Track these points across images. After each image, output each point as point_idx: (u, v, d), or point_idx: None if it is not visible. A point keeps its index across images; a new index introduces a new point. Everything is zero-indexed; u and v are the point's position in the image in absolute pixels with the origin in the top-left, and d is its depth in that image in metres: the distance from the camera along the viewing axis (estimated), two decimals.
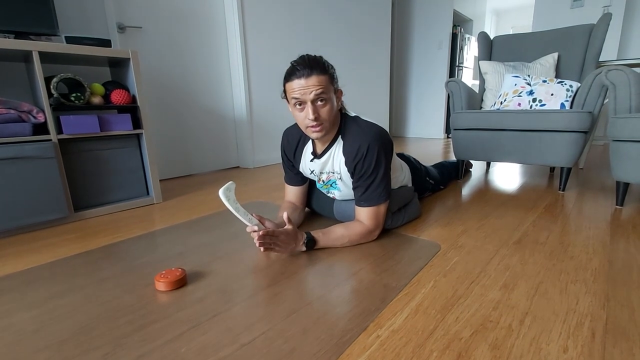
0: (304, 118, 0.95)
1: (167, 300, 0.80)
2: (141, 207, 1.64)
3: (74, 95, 1.36)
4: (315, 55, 0.96)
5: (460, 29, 4.68)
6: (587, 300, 0.75)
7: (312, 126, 0.96)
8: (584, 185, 1.84)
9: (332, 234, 1.04)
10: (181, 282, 0.86)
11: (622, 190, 1.41)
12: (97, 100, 1.47)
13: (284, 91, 0.98)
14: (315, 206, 1.36)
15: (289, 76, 0.94)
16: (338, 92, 1.01)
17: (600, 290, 0.79)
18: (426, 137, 4.90)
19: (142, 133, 1.63)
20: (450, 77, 4.66)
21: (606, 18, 1.92)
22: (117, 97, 1.53)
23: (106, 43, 1.48)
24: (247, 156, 2.72)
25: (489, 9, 6.14)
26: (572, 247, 1.03)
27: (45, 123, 1.35)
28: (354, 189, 1.06)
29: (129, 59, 1.54)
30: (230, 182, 0.99)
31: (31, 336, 0.69)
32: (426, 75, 4.71)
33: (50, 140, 1.34)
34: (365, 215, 1.06)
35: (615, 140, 1.36)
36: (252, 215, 1.01)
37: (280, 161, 2.95)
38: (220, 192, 0.95)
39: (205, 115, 2.50)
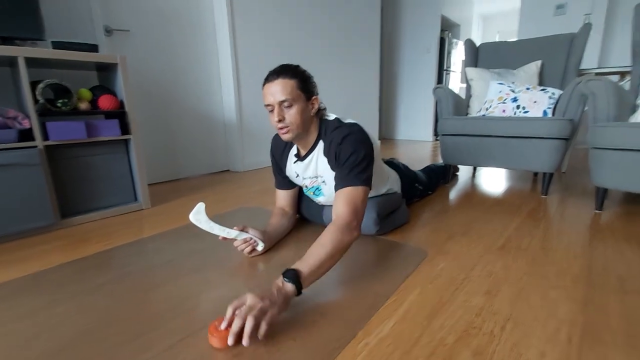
0: (273, 120, 0.98)
1: (158, 309, 0.80)
2: (129, 213, 1.63)
3: (60, 101, 1.34)
4: (289, 64, 1.00)
5: (448, 34, 4.76)
6: (566, 306, 0.78)
7: (280, 128, 0.99)
8: (565, 189, 1.90)
9: (315, 254, 0.81)
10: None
11: (601, 195, 1.46)
12: (84, 105, 1.45)
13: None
14: (305, 212, 1.38)
15: (263, 83, 0.99)
16: (312, 99, 1.02)
17: (579, 296, 0.82)
18: (415, 139, 4.97)
19: (130, 139, 1.62)
20: (438, 80, 4.73)
21: (587, 28, 1.99)
22: (104, 102, 1.51)
23: (93, 48, 1.47)
24: (237, 159, 2.71)
25: (475, 14, 6.26)
26: (553, 253, 1.07)
27: (30, 129, 1.33)
28: (334, 179, 1.01)
29: (117, 64, 1.53)
30: (198, 204, 1.00)
31: (24, 346, 0.69)
32: (415, 78, 4.78)
33: (36, 146, 1.32)
34: (341, 200, 0.93)
35: (595, 148, 1.41)
36: (232, 228, 1.03)
37: (269, 164, 2.96)
38: (191, 217, 0.98)
39: (195, 118, 2.49)
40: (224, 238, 1.04)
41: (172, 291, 0.89)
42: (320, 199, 1.23)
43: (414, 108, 4.90)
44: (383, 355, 0.64)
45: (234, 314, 0.66)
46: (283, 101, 0.95)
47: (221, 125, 2.68)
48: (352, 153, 0.97)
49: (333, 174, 1.05)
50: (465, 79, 2.31)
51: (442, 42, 4.63)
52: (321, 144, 1.07)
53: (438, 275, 0.94)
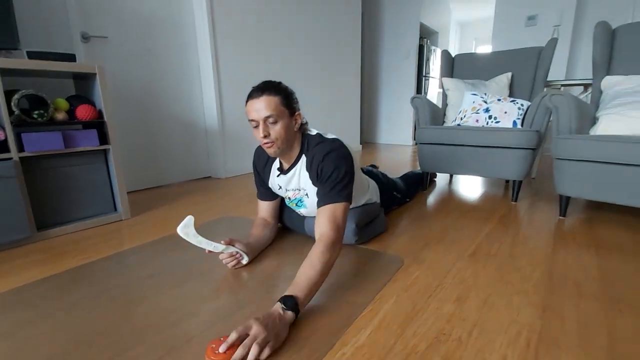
0: (259, 136, 1.00)
1: (141, 325, 0.82)
2: (109, 224, 1.61)
3: (36, 112, 1.32)
4: (272, 81, 1.03)
5: (427, 41, 4.90)
6: (527, 311, 0.85)
7: (265, 143, 1.02)
8: (534, 195, 2.01)
9: (308, 277, 0.85)
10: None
11: (564, 203, 1.57)
12: (61, 116, 1.43)
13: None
14: (287, 222, 1.41)
15: (247, 99, 1.01)
16: (295, 115, 1.06)
17: (538, 301, 0.89)
18: (396, 143, 5.08)
19: (109, 149, 1.60)
20: (417, 86, 4.87)
21: (552, 43, 2.11)
22: (82, 112, 1.49)
23: (70, 57, 1.45)
24: (219, 166, 2.71)
25: (453, 21, 6.46)
26: (519, 259, 1.15)
27: (5, 140, 1.30)
28: (317, 195, 1.05)
29: (95, 74, 1.52)
30: (187, 217, 1.01)
31: None
32: (395, 84, 4.89)
33: (11, 158, 1.30)
34: (324, 216, 0.98)
35: (558, 159, 1.51)
36: (219, 242, 1.05)
37: (251, 170, 2.97)
38: (179, 231, 0.98)
39: (176, 124, 2.47)
40: (210, 251, 1.05)
41: (155, 305, 0.90)
42: (302, 211, 1.27)
43: (395, 113, 5.01)
44: None
45: (238, 339, 0.68)
46: (268, 117, 0.97)
47: (202, 131, 2.67)
48: (334, 170, 1.01)
49: (315, 188, 1.09)
50: (442, 88, 2.40)
51: (421, 49, 4.76)
52: (304, 158, 1.11)
53: (413, 284, 0.99)
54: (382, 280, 1.01)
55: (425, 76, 4.96)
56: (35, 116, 1.32)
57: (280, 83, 1.03)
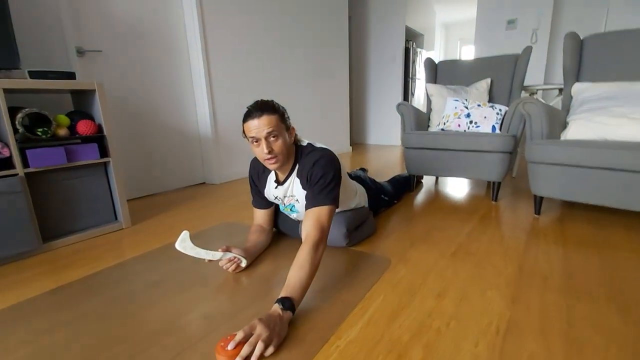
0: (261, 152, 1.09)
1: (153, 328, 0.90)
2: (111, 234, 1.68)
3: (40, 130, 1.38)
4: (267, 100, 1.11)
5: (413, 44, 5.04)
6: (498, 303, 0.96)
7: (268, 159, 1.10)
8: (513, 193, 2.14)
9: (299, 278, 0.93)
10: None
11: (539, 203, 1.70)
12: (62, 132, 1.49)
13: (244, 131, 1.11)
14: (282, 227, 1.50)
15: (245, 118, 1.09)
16: (290, 129, 1.15)
17: (509, 294, 1.01)
18: (385, 144, 5.20)
19: (109, 161, 1.67)
20: (404, 88, 5.00)
21: (527, 50, 2.25)
22: (83, 128, 1.56)
23: (71, 75, 1.51)
24: (213, 172, 2.78)
25: (438, 23, 6.62)
26: (494, 256, 1.27)
27: (10, 157, 1.36)
28: (305, 199, 1.14)
29: (95, 90, 1.58)
30: (182, 232, 1.10)
31: None
32: (383, 86, 5.01)
33: (17, 174, 1.36)
34: (310, 218, 1.06)
35: (532, 162, 1.63)
36: (217, 250, 1.14)
37: (245, 175, 3.05)
38: (177, 246, 1.07)
39: (169, 133, 2.54)
40: (210, 260, 1.14)
41: (164, 310, 0.99)
42: (294, 215, 1.36)
43: (383, 114, 5.14)
44: (351, 355, 0.78)
45: (244, 337, 0.76)
46: (270, 133, 1.06)
47: (196, 138, 2.74)
48: (322, 176, 1.11)
49: (304, 192, 1.18)
50: (426, 94, 2.52)
51: (407, 52, 4.89)
52: (297, 167, 1.20)
53: (399, 282, 1.10)
54: (372, 280, 1.11)
55: (412, 78, 5.10)
56: (39, 133, 1.38)
57: (273, 102, 1.11)
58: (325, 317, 0.92)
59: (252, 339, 0.77)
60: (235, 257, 1.18)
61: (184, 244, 1.08)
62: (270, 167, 1.14)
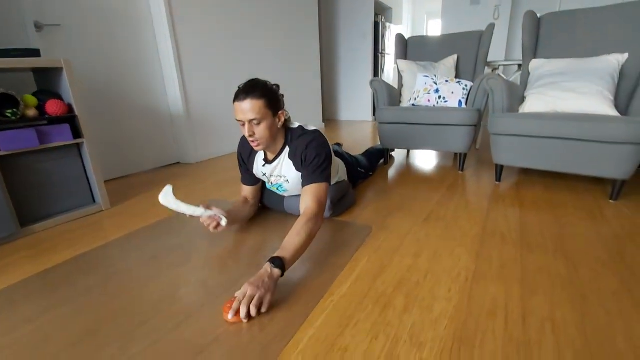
0: (246, 134, 1.14)
1: (155, 299, 0.96)
2: (90, 216, 1.66)
3: (9, 111, 1.32)
4: (259, 82, 1.13)
5: (382, 18, 5.05)
6: (465, 258, 1.11)
7: (251, 142, 1.16)
8: (477, 164, 2.33)
9: (293, 243, 0.99)
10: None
11: (499, 171, 1.88)
12: (31, 112, 1.43)
13: None
14: (267, 202, 1.57)
15: (234, 99, 1.12)
16: (279, 114, 1.18)
17: (474, 250, 1.16)
18: (357, 119, 5.29)
19: (82, 142, 1.62)
20: (374, 63, 5.05)
21: (490, 28, 2.37)
22: (52, 108, 1.49)
23: (35, 53, 1.43)
24: (189, 151, 2.74)
25: None
26: (462, 220, 1.42)
27: None
28: (301, 178, 1.22)
29: (62, 68, 1.51)
30: (166, 186, 1.12)
31: (41, 345, 0.80)
32: (353, 62, 5.03)
33: None
34: (308, 193, 1.14)
35: (494, 134, 1.79)
36: (198, 206, 1.16)
37: (222, 154, 3.03)
38: (160, 199, 1.10)
39: (139, 112, 2.45)
40: (191, 215, 1.16)
41: (163, 283, 1.04)
42: (282, 193, 1.43)
43: (354, 90, 5.19)
44: (344, 307, 0.89)
45: (238, 302, 0.85)
46: (252, 120, 1.10)
47: (167, 117, 2.67)
48: (316, 156, 1.19)
49: (296, 174, 1.26)
50: (397, 70, 2.60)
51: (376, 26, 4.90)
52: (287, 149, 1.25)
53: (380, 246, 1.22)
54: (356, 245, 1.22)
55: (381, 53, 5.14)
56: (8, 115, 1.32)
57: (266, 84, 1.13)
58: (318, 278, 1.02)
59: (244, 300, 0.84)
60: (215, 215, 1.18)
61: (167, 197, 1.09)
62: (254, 148, 1.19)
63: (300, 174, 1.26)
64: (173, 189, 1.13)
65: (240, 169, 1.44)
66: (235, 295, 0.87)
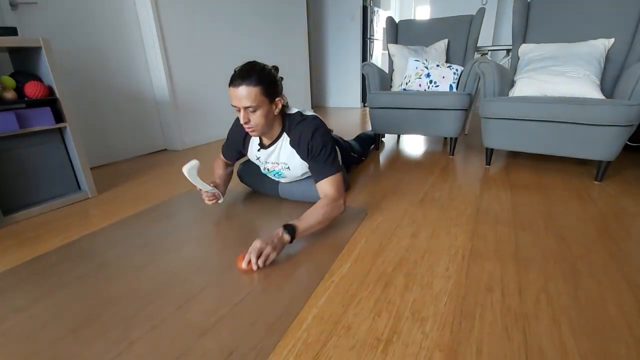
0: (241, 120, 1.12)
1: (155, 284, 0.94)
2: (76, 204, 1.60)
3: None
4: (256, 66, 1.08)
5: (370, 2, 4.98)
6: (461, 237, 1.13)
7: (246, 128, 1.14)
8: (467, 148, 2.36)
9: (309, 218, 1.07)
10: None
11: (489, 154, 1.91)
12: (10, 95, 1.35)
13: None
14: (259, 188, 1.55)
15: (229, 83, 1.08)
16: (276, 101, 1.14)
17: (469, 229, 1.18)
18: (345, 106, 5.27)
19: (65, 127, 1.55)
20: (363, 49, 5.00)
21: (481, 12, 2.37)
22: (32, 90, 1.42)
23: (12, 31, 1.34)
24: (175, 138, 2.67)
25: None
26: (456, 201, 1.44)
27: None
28: (310, 169, 1.24)
29: (41, 47, 1.42)
30: (193, 160, 1.19)
31: (40, 332, 0.78)
32: (342, 48, 4.97)
33: None
34: (326, 186, 1.18)
35: (485, 118, 1.81)
36: (209, 184, 1.32)
37: (209, 141, 2.97)
38: (184, 170, 1.17)
39: (122, 97, 2.36)
40: (200, 190, 1.29)
41: (160, 268, 1.02)
42: (281, 180, 1.43)
43: (342, 76, 5.14)
44: (345, 286, 0.90)
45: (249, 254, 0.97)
46: (248, 107, 1.07)
47: (152, 103, 2.58)
48: (323, 147, 1.18)
49: (301, 162, 1.25)
50: (388, 55, 2.58)
51: (364, 10, 4.83)
52: (285, 136, 1.23)
53: (377, 227, 1.23)
54: (353, 227, 1.22)
55: (370, 38, 5.09)
56: None
57: (263, 68, 1.08)
58: (318, 259, 1.02)
59: (254, 252, 0.96)
60: (217, 193, 1.35)
61: (192, 170, 1.18)
62: (249, 134, 1.17)
63: (303, 162, 1.25)
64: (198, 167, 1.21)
65: (225, 143, 1.44)
66: (249, 252, 0.97)
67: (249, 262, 0.96)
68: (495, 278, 0.91)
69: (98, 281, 0.97)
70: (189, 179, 1.20)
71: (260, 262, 0.96)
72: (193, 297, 0.88)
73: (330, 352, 0.70)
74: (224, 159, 1.49)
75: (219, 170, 1.48)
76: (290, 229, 1.02)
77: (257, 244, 0.98)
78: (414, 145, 2.56)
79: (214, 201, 1.36)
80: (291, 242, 1.02)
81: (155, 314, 0.82)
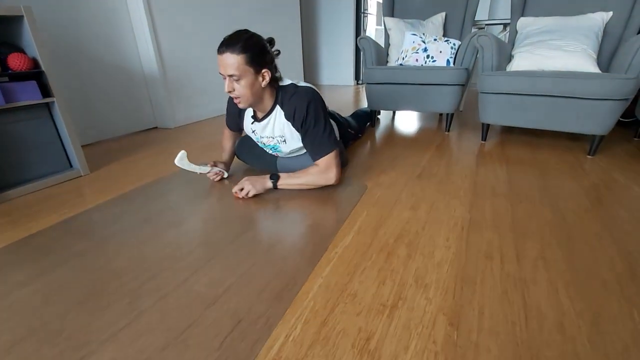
0: (225, 88, 1.10)
1: (159, 257, 0.94)
2: (69, 182, 1.57)
3: None
4: (243, 34, 1.04)
5: None
6: (460, 209, 1.15)
7: (232, 97, 1.13)
8: (462, 125, 2.37)
9: (295, 176, 1.27)
10: None
11: (485, 129, 1.92)
12: None
13: None
14: (256, 164, 1.54)
15: (217, 49, 1.05)
16: (263, 72, 1.09)
17: (467, 202, 1.20)
18: (338, 83, 5.19)
19: (53, 101, 1.49)
20: (356, 23, 4.87)
21: None
22: (15, 62, 1.35)
23: None
24: (166, 116, 2.60)
25: None
26: (453, 175, 1.46)
27: None
28: (305, 145, 1.24)
29: (23, 16, 1.34)
30: (181, 151, 1.32)
31: (45, 305, 0.77)
32: (334, 23, 4.84)
33: None
34: (323, 164, 1.23)
35: (482, 92, 1.81)
36: (206, 164, 1.41)
37: (202, 118, 2.91)
38: (176, 162, 1.31)
39: (109, 73, 2.27)
40: (201, 173, 1.40)
41: (163, 243, 1.01)
42: (278, 154, 1.41)
43: (335, 53, 5.03)
44: (348, 257, 0.91)
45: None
46: (232, 75, 1.04)
47: (141, 78, 2.49)
48: (317, 120, 1.17)
49: (298, 135, 1.23)
50: (384, 29, 2.53)
51: None
52: (278, 109, 1.20)
53: (377, 201, 1.24)
54: (353, 201, 1.23)
55: (363, 13, 4.96)
56: None
57: (251, 37, 1.05)
58: (320, 232, 1.03)
59: (237, 186, 1.24)
60: (220, 171, 1.43)
61: (182, 161, 1.31)
62: (237, 105, 1.14)
63: (299, 134, 1.24)
64: (187, 155, 1.34)
65: (227, 112, 1.43)
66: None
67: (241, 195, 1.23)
68: (494, 246, 0.94)
69: (100, 256, 0.96)
70: (185, 168, 1.32)
71: (242, 194, 1.23)
72: (199, 269, 0.88)
73: (338, 318, 0.71)
74: (230, 130, 1.49)
75: (226, 143, 1.53)
76: (275, 177, 1.25)
77: (243, 180, 1.24)
78: (409, 122, 2.55)
79: (218, 178, 1.44)
80: (274, 188, 1.26)
81: (162, 285, 0.82)
